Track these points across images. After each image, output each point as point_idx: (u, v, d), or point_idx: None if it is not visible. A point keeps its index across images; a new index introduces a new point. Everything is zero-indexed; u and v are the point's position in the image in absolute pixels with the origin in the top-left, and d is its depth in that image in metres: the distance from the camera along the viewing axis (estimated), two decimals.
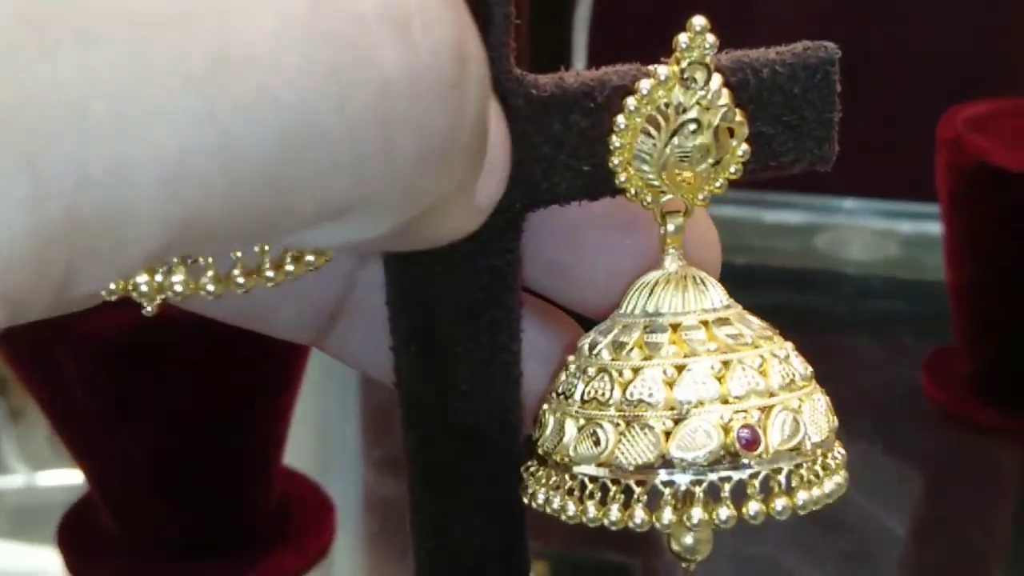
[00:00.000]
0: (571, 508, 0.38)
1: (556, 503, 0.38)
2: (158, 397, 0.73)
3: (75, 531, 0.83)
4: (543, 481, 0.39)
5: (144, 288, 0.34)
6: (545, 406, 0.40)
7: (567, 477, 0.39)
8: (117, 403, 0.73)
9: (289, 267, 0.36)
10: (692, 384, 0.37)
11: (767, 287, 1.21)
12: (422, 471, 0.42)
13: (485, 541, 0.42)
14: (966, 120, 0.99)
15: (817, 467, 0.38)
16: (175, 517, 0.78)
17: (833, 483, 0.39)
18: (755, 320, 0.40)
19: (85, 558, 0.81)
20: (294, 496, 0.85)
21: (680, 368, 0.38)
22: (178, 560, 0.80)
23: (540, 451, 0.39)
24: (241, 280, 0.35)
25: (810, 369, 0.40)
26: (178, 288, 0.34)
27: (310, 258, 0.36)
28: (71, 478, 0.90)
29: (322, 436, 0.99)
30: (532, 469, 0.40)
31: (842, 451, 0.40)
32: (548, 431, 0.39)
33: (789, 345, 0.40)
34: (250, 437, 0.78)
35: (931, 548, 0.97)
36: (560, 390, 0.39)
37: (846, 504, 0.97)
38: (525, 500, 0.40)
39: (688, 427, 0.37)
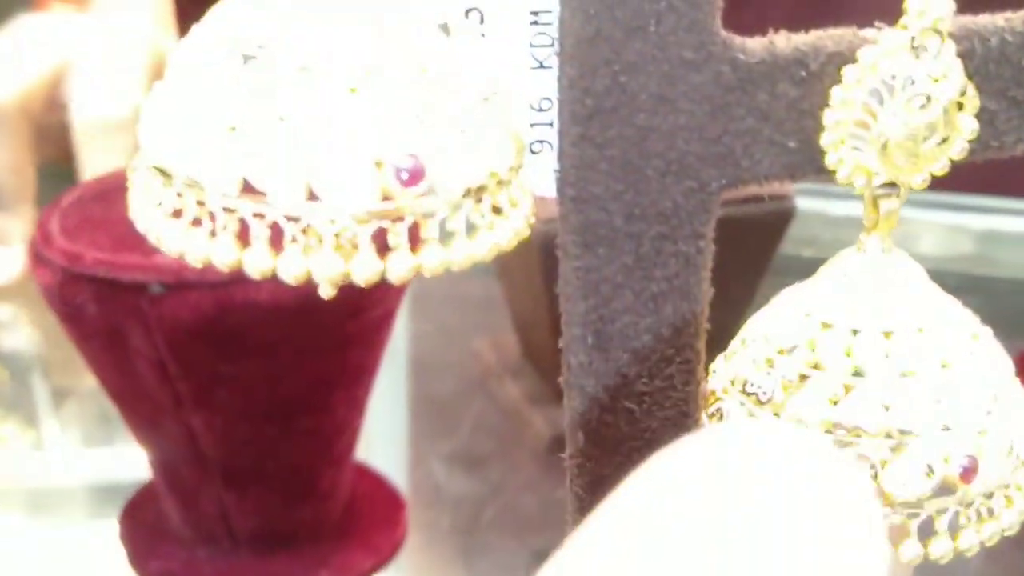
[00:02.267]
0: None
1: None
2: (232, 383, 0.68)
3: (138, 520, 0.79)
4: None
5: None
6: (718, 391, 0.36)
7: None
8: (189, 388, 0.69)
9: None
10: (911, 408, 0.34)
11: None
12: (590, 480, 0.38)
13: None
14: None
15: (1015, 489, 0.35)
16: (244, 508, 0.74)
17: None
18: (958, 317, 0.36)
19: (149, 548, 0.77)
20: (364, 491, 0.81)
21: (895, 389, 0.34)
22: (246, 553, 0.76)
23: None
24: None
25: (1008, 362, 0.36)
26: None
27: None
28: (116, 462, 0.87)
29: (384, 429, 0.95)
30: None
31: None
32: None
33: (986, 334, 0.36)
34: (324, 428, 0.74)
35: None
36: (745, 386, 0.35)
37: None
38: None
39: (908, 457, 0.34)
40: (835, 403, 0.34)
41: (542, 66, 0.36)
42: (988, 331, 0.37)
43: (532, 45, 0.36)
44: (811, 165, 0.34)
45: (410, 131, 0.30)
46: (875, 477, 0.34)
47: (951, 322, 0.36)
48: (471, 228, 0.31)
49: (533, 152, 0.36)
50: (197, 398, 0.69)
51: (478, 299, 1.03)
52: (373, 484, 0.83)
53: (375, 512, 0.81)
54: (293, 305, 0.67)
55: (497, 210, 0.32)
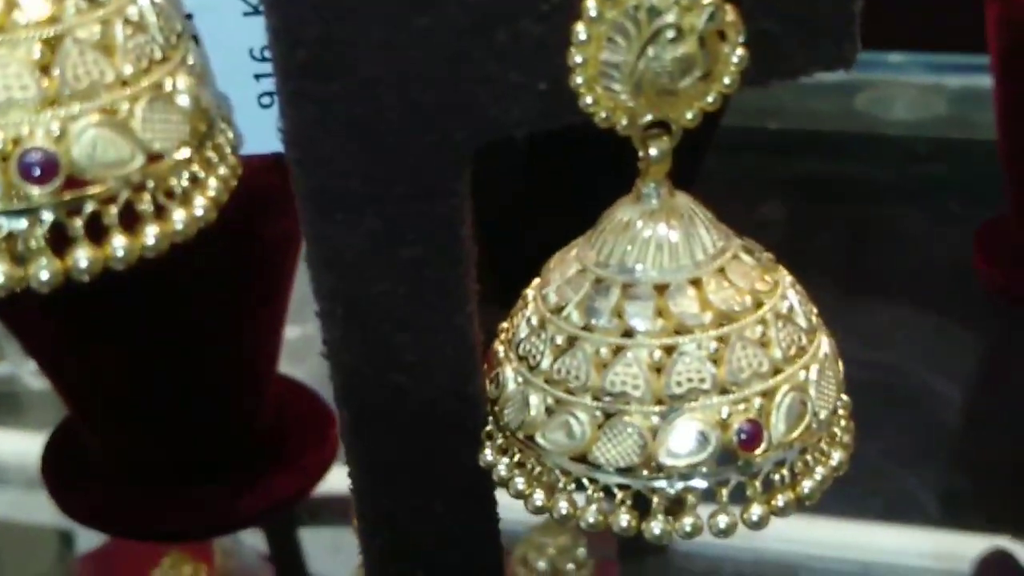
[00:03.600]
0: (539, 497, 0.32)
1: (520, 485, 0.32)
2: (125, 314, 0.66)
3: (58, 456, 0.77)
4: (505, 453, 0.33)
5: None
6: (500, 354, 0.33)
7: (534, 460, 0.32)
8: (82, 323, 0.66)
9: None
10: (683, 371, 0.31)
11: (802, 154, 1.12)
12: (364, 456, 0.35)
13: (446, 531, 0.36)
14: None
15: (823, 444, 0.32)
16: (160, 440, 0.73)
17: (840, 453, 0.33)
18: (751, 257, 0.33)
19: (70, 486, 0.75)
20: (292, 410, 0.79)
21: (669, 350, 0.31)
22: (169, 485, 0.74)
23: (501, 418, 0.33)
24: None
25: (814, 313, 0.33)
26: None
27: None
28: None
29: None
30: (492, 434, 0.33)
31: (846, 398, 0.34)
32: (509, 398, 0.33)
33: (789, 284, 0.33)
34: (235, 353, 0.72)
35: (988, 420, 0.91)
36: (520, 349, 0.32)
37: (901, 376, 0.91)
38: (482, 464, 0.33)
39: (680, 426, 0.31)
40: (603, 367, 0.31)
41: (256, 11, 0.32)
42: (785, 275, 0.33)
43: None
44: (568, 108, 0.31)
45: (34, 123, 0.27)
46: (645, 447, 0.31)
47: (739, 270, 0.32)
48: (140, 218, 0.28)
49: (263, 106, 0.33)
50: (91, 332, 0.67)
51: None
52: (302, 401, 0.81)
53: (303, 432, 0.78)
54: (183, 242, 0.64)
55: (170, 194, 0.29)
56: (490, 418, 0.34)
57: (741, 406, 0.31)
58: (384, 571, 0.36)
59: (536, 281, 0.34)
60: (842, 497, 0.88)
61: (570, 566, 0.87)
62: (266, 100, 0.33)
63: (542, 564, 0.87)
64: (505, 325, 0.34)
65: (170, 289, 0.66)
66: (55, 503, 0.75)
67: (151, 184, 0.28)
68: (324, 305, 0.33)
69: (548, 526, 0.86)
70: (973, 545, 0.85)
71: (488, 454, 0.33)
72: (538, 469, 0.32)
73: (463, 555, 0.36)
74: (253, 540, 0.89)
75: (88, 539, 0.88)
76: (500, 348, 0.34)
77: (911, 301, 0.96)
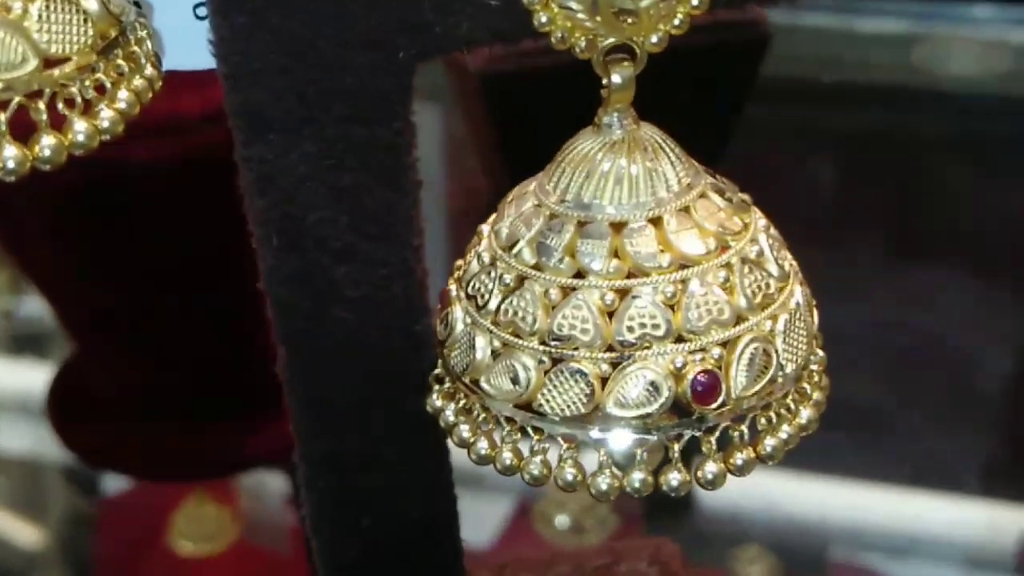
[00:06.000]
0: (483, 446, 0.30)
1: (465, 432, 0.30)
2: (127, 248, 0.65)
3: (63, 394, 0.76)
4: (452, 399, 0.31)
5: None
6: (453, 292, 0.31)
7: (479, 406, 0.30)
8: (85, 257, 0.65)
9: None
10: (636, 316, 0.28)
11: (856, 106, 1.08)
12: (305, 395, 0.33)
13: (395, 476, 0.34)
14: None
15: (789, 400, 0.29)
16: (163, 378, 0.71)
17: (809, 410, 0.30)
18: (721, 197, 0.30)
19: (76, 423, 0.74)
20: None
21: (622, 293, 0.28)
22: (172, 426, 0.73)
23: (449, 361, 0.31)
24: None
25: (788, 260, 0.30)
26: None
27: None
28: None
29: None
30: (441, 377, 0.31)
31: (821, 353, 0.31)
32: (456, 339, 0.30)
33: (762, 227, 0.30)
34: (246, 286, 0.70)
35: None
36: (469, 287, 0.30)
37: (943, 338, 0.88)
38: (429, 410, 0.31)
39: (630, 375, 0.28)
40: (551, 309, 0.29)
41: None
42: (759, 217, 0.31)
43: None
44: (521, 27, 0.28)
45: None
46: (593, 395, 0.28)
47: (706, 210, 0.29)
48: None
49: (199, 17, 0.30)
50: (94, 267, 0.66)
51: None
52: None
53: None
54: (175, 164, 0.62)
55: (70, 104, 0.26)
56: (439, 360, 0.31)
57: (698, 356, 0.28)
58: (327, 517, 0.34)
59: (493, 216, 0.32)
60: (878, 463, 0.85)
61: (592, 523, 0.85)
62: (201, 11, 0.31)
63: (563, 520, 0.85)
64: (460, 262, 0.32)
65: (179, 214, 0.64)
66: (60, 440, 0.74)
67: (48, 91, 0.26)
68: (259, 232, 0.31)
69: None
70: (1012, 518, 0.82)
71: (435, 399, 0.31)
72: (483, 416, 0.30)
73: (413, 504, 0.34)
74: (277, 483, 0.88)
75: (113, 482, 0.87)
76: (452, 286, 0.32)
77: (958, 263, 0.92)
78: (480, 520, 0.83)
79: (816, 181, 1.02)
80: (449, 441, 0.31)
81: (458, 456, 0.32)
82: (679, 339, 0.28)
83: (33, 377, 0.85)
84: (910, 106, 1.08)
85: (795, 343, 0.30)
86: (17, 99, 0.26)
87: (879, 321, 0.88)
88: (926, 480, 0.84)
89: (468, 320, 0.30)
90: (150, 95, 0.28)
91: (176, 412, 0.73)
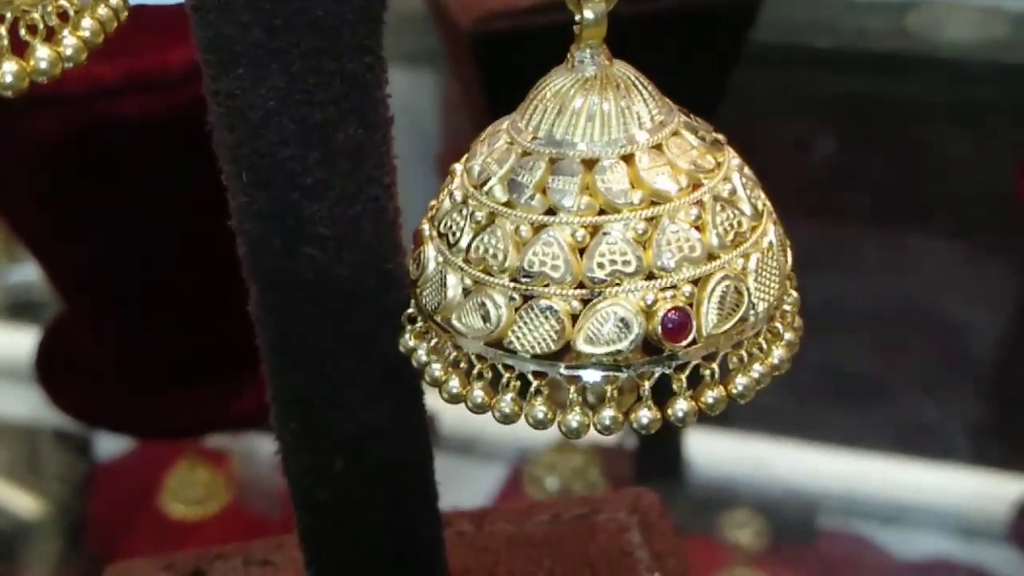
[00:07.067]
0: (454, 384, 0.30)
1: (437, 371, 0.30)
2: (115, 205, 0.64)
3: (52, 355, 0.76)
4: (424, 338, 0.30)
5: None
6: (426, 231, 0.30)
7: (451, 345, 0.30)
8: (73, 214, 0.65)
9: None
10: (607, 253, 0.28)
11: (851, 73, 1.07)
12: (275, 334, 0.33)
13: (367, 418, 0.34)
14: None
15: (761, 340, 0.29)
16: (150, 338, 0.71)
17: (781, 350, 0.30)
18: (694, 136, 0.30)
19: (64, 381, 0.74)
20: None
21: (593, 230, 0.28)
22: (160, 386, 0.73)
23: (421, 300, 0.30)
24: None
25: (762, 199, 0.30)
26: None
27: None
28: None
29: None
30: (413, 317, 0.31)
31: (794, 294, 0.31)
32: (428, 278, 0.30)
33: (736, 166, 0.30)
34: (224, 248, 0.70)
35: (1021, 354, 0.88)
36: (441, 225, 0.30)
37: (933, 306, 0.87)
38: (401, 349, 0.31)
39: (600, 312, 0.28)
40: (522, 246, 0.28)
41: None
42: (732, 156, 0.30)
43: None
44: None
45: None
46: (563, 332, 0.28)
47: (679, 148, 0.29)
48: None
49: None
50: (78, 222, 0.65)
51: None
52: None
53: None
54: (166, 119, 0.62)
55: (32, 29, 0.26)
56: (412, 300, 0.31)
57: (668, 293, 0.28)
58: (299, 459, 0.34)
59: (466, 154, 0.31)
60: (867, 429, 0.85)
61: (581, 486, 0.85)
62: None
63: (552, 482, 0.85)
64: (433, 202, 0.32)
65: (167, 170, 0.64)
66: (48, 397, 0.74)
67: (9, 16, 0.26)
68: (228, 169, 0.30)
69: (563, 446, 0.84)
70: (1003, 485, 0.82)
71: (408, 338, 0.31)
72: (454, 355, 0.30)
73: (387, 447, 0.34)
74: (268, 447, 0.88)
75: (108, 445, 0.87)
76: (425, 225, 0.31)
77: (949, 228, 0.92)
78: (472, 486, 0.83)
79: (809, 147, 1.02)
80: (423, 382, 0.31)
81: (450, 422, 0.31)
82: (650, 276, 0.28)
83: (24, 343, 0.85)
84: (904, 72, 1.08)
85: (767, 282, 0.29)
86: None
87: (869, 287, 0.88)
88: (916, 446, 0.84)
89: (440, 258, 0.30)
90: (115, 25, 0.28)
91: (162, 372, 0.73)
